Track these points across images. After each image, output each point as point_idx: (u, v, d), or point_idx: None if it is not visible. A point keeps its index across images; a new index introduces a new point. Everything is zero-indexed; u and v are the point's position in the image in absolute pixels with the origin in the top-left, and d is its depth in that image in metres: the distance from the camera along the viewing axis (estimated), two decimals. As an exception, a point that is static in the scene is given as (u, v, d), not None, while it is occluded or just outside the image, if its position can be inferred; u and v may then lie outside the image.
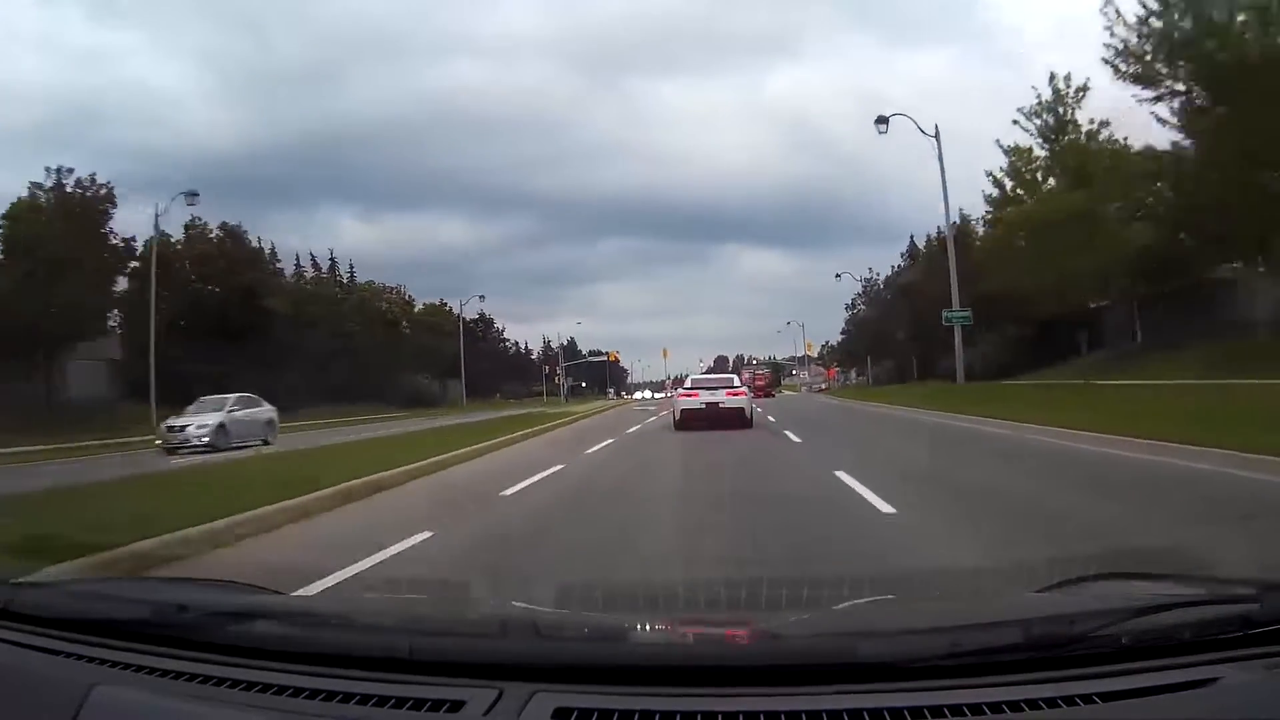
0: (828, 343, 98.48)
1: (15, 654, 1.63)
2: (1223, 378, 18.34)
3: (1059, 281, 29.45)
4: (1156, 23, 24.69)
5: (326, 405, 45.70)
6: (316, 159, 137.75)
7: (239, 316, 43.61)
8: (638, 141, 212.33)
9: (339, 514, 8.00)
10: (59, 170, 33.95)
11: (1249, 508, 6.55)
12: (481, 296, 79.57)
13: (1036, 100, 32.09)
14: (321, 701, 1.36)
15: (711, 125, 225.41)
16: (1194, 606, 1.50)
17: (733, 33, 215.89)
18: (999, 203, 36.09)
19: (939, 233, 63.85)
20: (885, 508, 6.91)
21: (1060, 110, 32.68)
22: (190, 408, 22.81)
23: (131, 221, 42.95)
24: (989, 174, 36.36)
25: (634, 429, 21.70)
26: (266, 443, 21.94)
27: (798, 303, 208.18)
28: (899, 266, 64.74)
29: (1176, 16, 24.24)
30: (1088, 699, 1.24)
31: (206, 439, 20.72)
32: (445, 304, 79.03)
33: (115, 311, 40.09)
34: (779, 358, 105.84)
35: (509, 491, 9.06)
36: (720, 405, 19.75)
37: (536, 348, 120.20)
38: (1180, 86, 24.99)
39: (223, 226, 48.32)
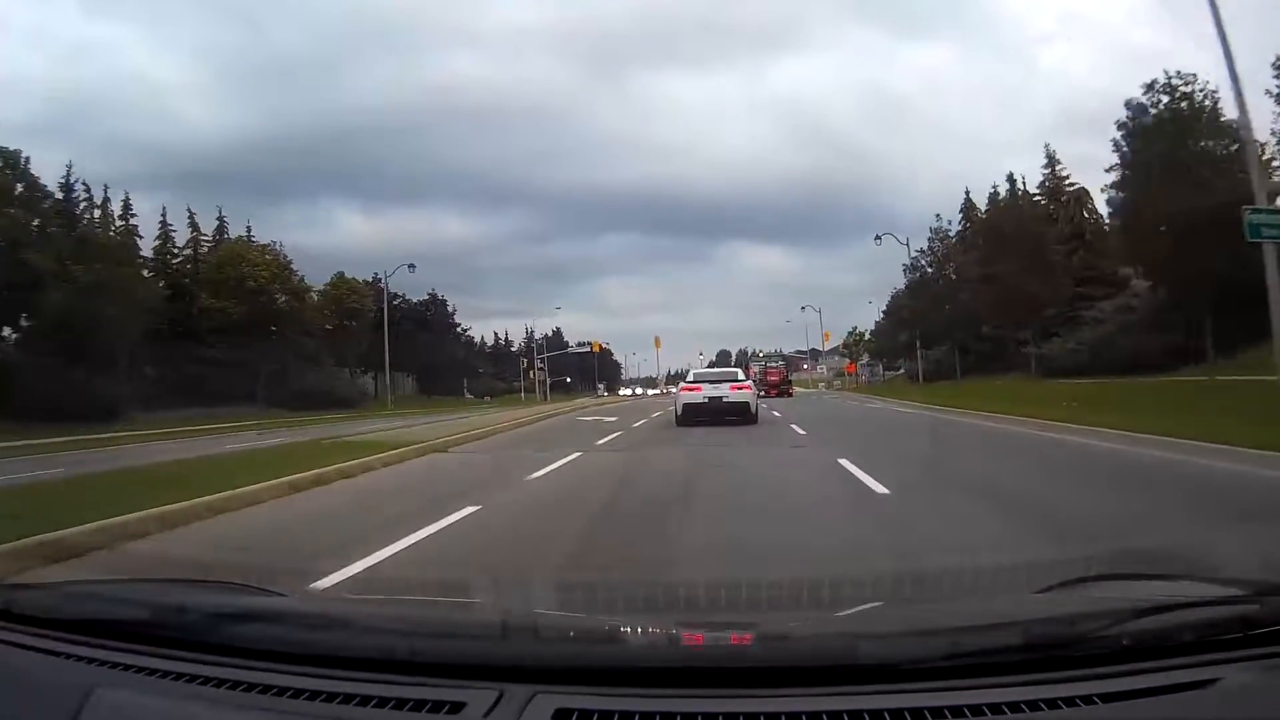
0: (856, 329, 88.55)
1: (15, 655, 1.63)
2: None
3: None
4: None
5: (171, 410, 37.62)
6: (315, 152, 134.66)
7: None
8: (641, 135, 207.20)
9: None
10: None
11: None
12: (411, 266, 59.88)
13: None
14: (322, 703, 1.36)
15: (715, 118, 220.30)
16: (1194, 607, 1.50)
17: (737, 25, 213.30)
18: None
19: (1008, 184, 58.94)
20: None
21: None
22: None
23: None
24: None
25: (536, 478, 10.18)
26: None
27: (800, 299, 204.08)
28: (955, 231, 55.87)
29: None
30: (1088, 700, 1.24)
31: None
32: (378, 279, 63.96)
33: None
34: (785, 351, 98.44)
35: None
36: (724, 400, 19.29)
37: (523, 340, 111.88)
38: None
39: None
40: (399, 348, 69.79)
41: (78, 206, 46.57)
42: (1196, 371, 28.01)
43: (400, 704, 1.34)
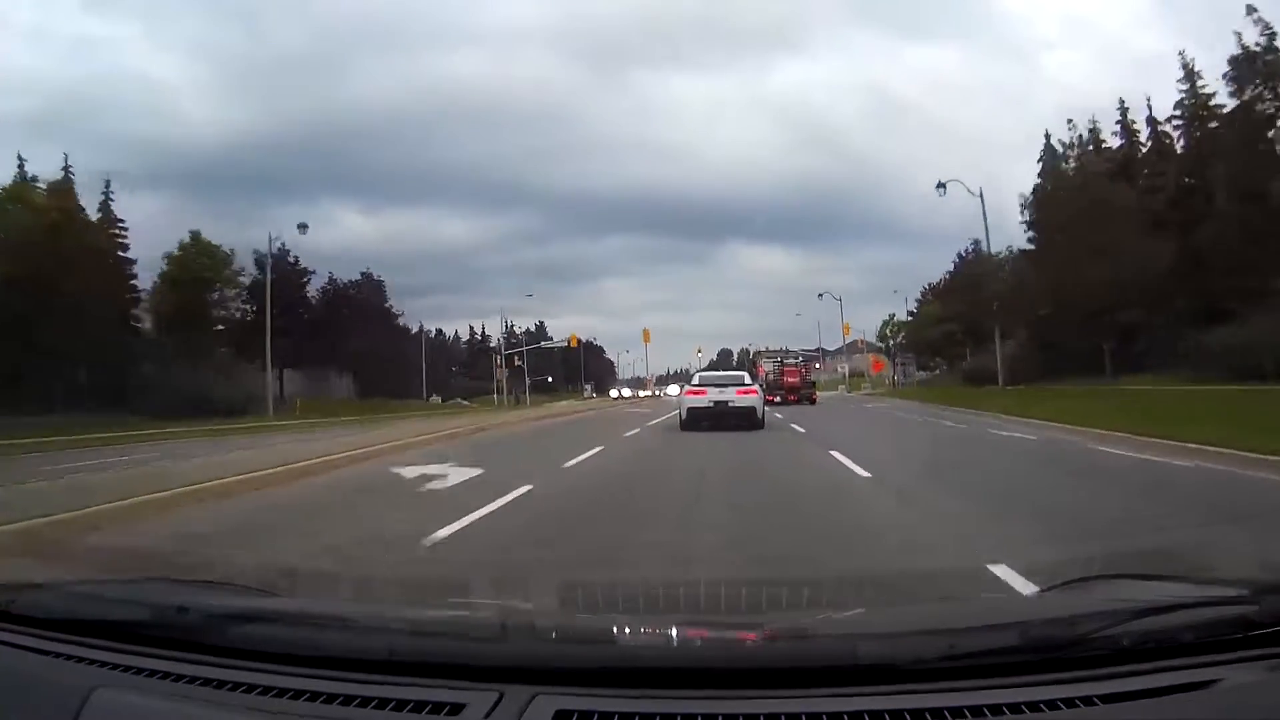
0: (893, 316, 72.63)
1: (15, 656, 1.63)
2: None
3: None
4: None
5: None
6: (316, 152, 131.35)
7: None
8: (643, 136, 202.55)
9: None
10: None
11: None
12: (303, 226, 48.18)
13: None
14: (322, 704, 1.36)
15: (716, 119, 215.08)
16: (1194, 608, 1.50)
17: (739, 25, 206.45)
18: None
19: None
20: None
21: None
22: None
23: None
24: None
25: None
26: None
27: (801, 300, 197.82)
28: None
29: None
30: (1088, 701, 1.25)
31: None
32: (289, 255, 54.37)
33: None
34: (793, 349, 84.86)
35: None
36: (730, 404, 18.86)
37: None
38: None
39: None
40: (323, 338, 56.68)
41: None
42: None
43: (400, 705, 1.34)
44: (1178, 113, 43.58)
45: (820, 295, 69.96)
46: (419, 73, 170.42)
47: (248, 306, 55.90)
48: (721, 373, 25.55)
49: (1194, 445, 10.46)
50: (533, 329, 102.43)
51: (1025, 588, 4.05)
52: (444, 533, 6.38)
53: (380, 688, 1.38)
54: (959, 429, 18.44)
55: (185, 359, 44.85)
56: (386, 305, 73.35)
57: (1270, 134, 34.28)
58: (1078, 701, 1.24)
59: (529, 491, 8.58)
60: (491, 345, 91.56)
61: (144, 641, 1.61)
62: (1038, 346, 38.74)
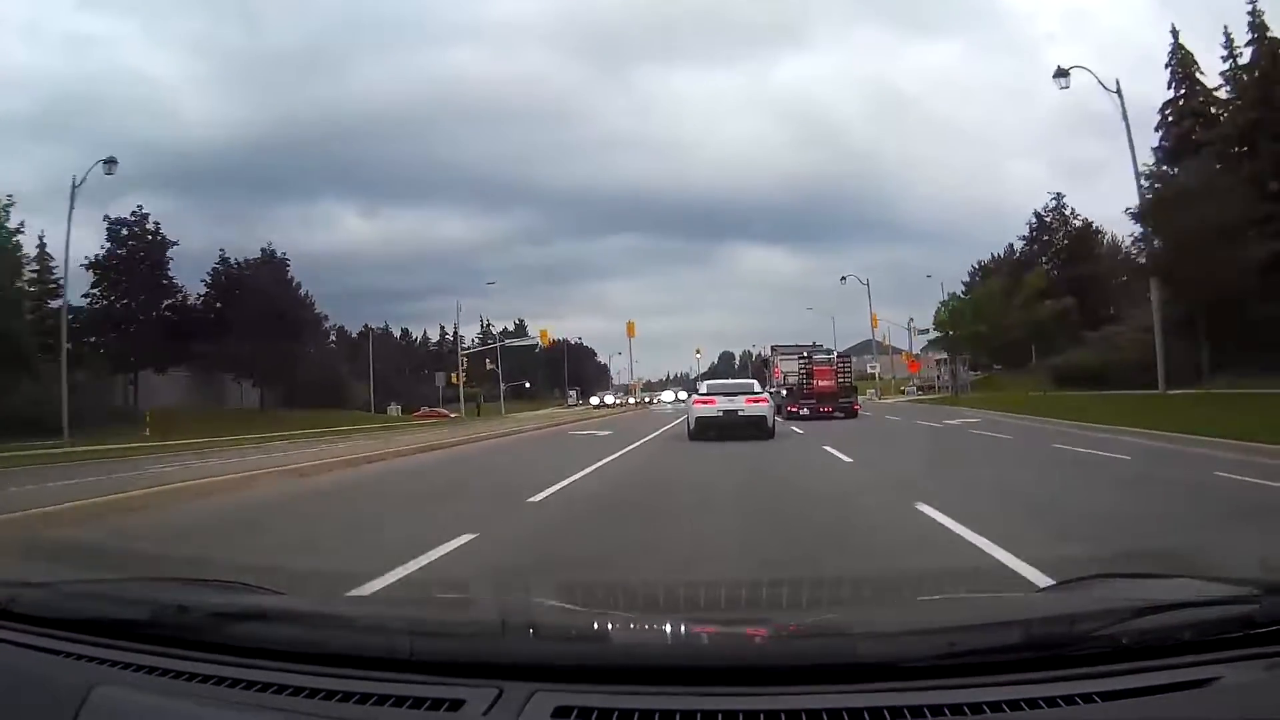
0: (952, 296, 54.30)
1: (15, 654, 1.62)
2: None
3: None
4: None
5: None
6: (315, 152, 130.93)
7: None
8: (643, 134, 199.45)
9: None
10: None
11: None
12: (109, 162, 32.65)
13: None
14: (321, 701, 1.36)
15: (719, 116, 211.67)
16: (1194, 607, 1.50)
17: (742, 21, 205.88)
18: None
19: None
20: None
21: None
22: None
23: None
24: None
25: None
26: None
27: (804, 300, 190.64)
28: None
29: None
30: (1088, 699, 1.25)
31: None
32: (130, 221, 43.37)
33: None
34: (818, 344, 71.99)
35: None
36: (740, 414, 18.79)
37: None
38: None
39: None
40: (211, 334, 44.09)
41: None
42: None
43: (399, 702, 1.34)
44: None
45: (843, 279, 60.23)
46: (417, 68, 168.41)
47: (96, 291, 43.58)
48: (730, 381, 24.99)
49: None
50: (511, 326, 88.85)
51: None
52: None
53: (379, 685, 1.38)
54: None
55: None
56: (296, 292, 56.32)
57: None
58: (1077, 699, 1.24)
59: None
60: (462, 348, 77.22)
61: (144, 639, 1.60)
62: (1191, 329, 26.06)
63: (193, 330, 48.09)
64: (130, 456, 18.96)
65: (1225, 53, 38.32)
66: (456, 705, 1.30)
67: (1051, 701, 1.24)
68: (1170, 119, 40.39)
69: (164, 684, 1.47)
